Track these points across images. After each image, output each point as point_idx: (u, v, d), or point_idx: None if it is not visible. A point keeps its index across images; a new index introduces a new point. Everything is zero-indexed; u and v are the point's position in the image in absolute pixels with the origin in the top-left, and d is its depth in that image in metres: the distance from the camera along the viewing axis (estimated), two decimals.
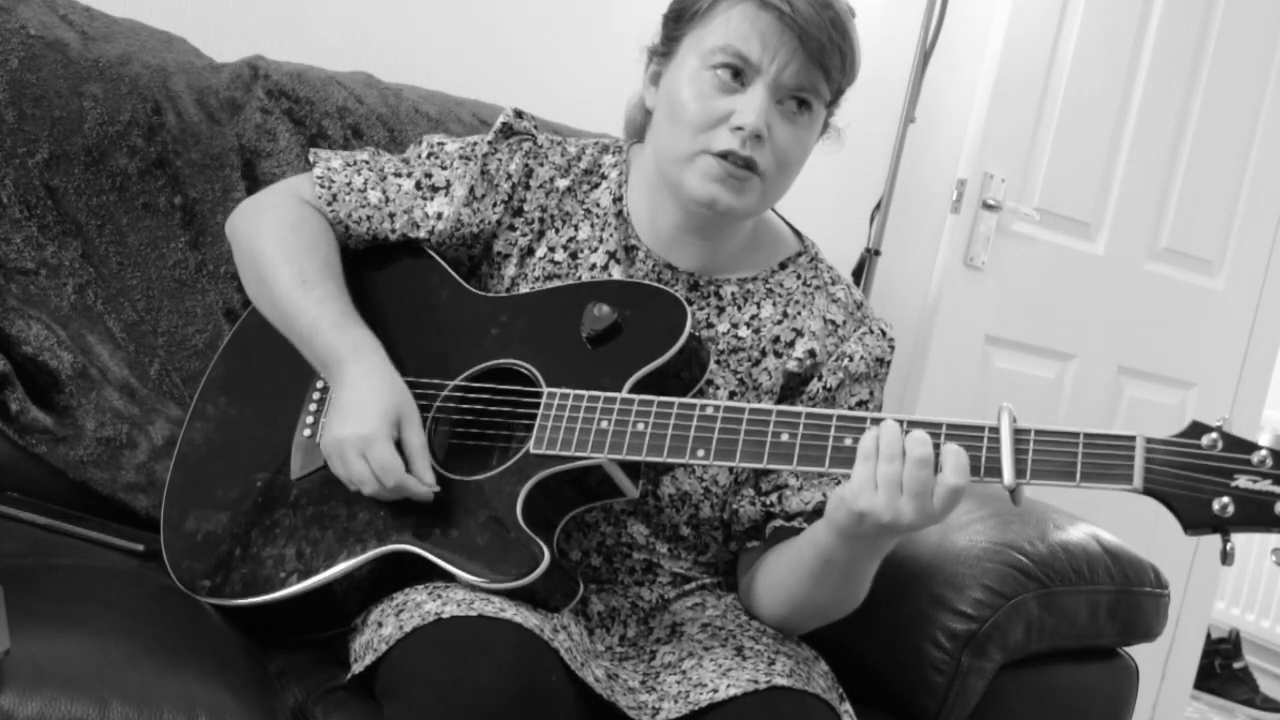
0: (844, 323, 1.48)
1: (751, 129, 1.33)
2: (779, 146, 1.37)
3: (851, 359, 1.45)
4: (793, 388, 1.46)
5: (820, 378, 1.45)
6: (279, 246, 1.46)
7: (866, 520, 1.20)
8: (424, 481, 1.30)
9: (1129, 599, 1.71)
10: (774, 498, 1.43)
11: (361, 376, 1.34)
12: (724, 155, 1.35)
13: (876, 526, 1.20)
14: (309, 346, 1.41)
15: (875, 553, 1.31)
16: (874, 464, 1.18)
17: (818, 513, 1.40)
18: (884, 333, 1.48)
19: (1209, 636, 3.73)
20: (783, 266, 1.50)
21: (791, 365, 1.45)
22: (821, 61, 1.35)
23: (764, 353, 1.46)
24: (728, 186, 1.36)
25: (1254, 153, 3.09)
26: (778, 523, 1.42)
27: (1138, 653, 1.78)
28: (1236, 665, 3.94)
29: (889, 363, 1.48)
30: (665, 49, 1.43)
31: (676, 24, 1.41)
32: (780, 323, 1.47)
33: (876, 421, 1.21)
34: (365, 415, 1.30)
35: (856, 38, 1.39)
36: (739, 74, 1.35)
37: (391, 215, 1.50)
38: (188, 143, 1.74)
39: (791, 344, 1.46)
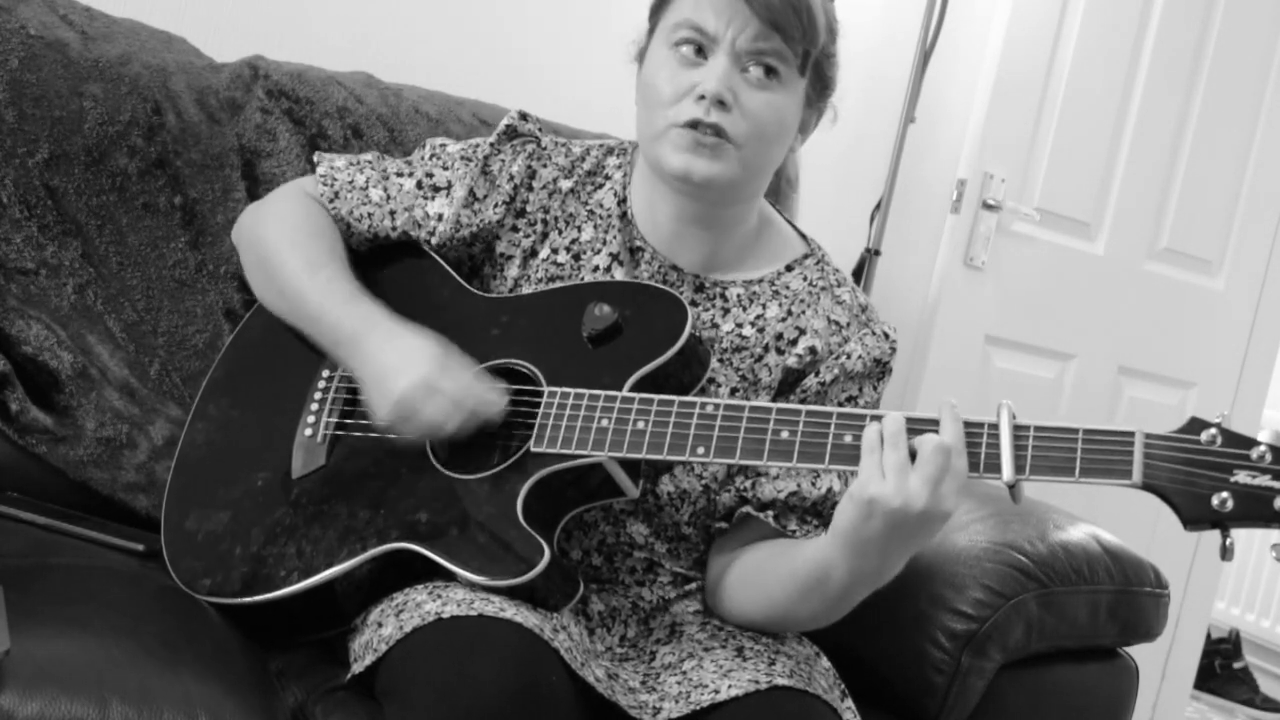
0: (848, 324, 1.47)
1: (712, 94, 1.34)
2: (750, 112, 1.37)
3: (850, 357, 1.45)
4: (790, 383, 1.46)
5: (818, 373, 1.45)
6: (286, 237, 1.47)
7: (875, 509, 1.18)
8: (493, 401, 1.33)
9: (1129, 599, 1.71)
10: (749, 484, 1.42)
11: (387, 337, 1.36)
12: (692, 125, 1.36)
13: (885, 517, 1.18)
14: (319, 328, 1.41)
15: (874, 576, 1.28)
16: (879, 454, 1.18)
17: (789, 506, 1.40)
18: (886, 335, 1.48)
19: (1209, 636, 3.73)
20: (789, 269, 1.50)
21: (791, 361, 1.45)
22: (776, 23, 1.35)
23: (766, 349, 1.46)
24: (699, 154, 1.36)
25: (1254, 153, 3.09)
26: (747, 509, 1.41)
27: (1138, 653, 1.78)
28: (1236, 665, 3.94)
29: (887, 364, 1.47)
30: (644, 44, 1.46)
31: (651, 16, 1.45)
32: (784, 320, 1.47)
33: (877, 418, 1.21)
34: (416, 360, 1.32)
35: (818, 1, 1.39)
36: (701, 49, 1.37)
37: (392, 213, 1.50)
38: (188, 143, 1.74)
39: (794, 341, 1.46)
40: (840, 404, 1.45)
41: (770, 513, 1.40)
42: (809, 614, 1.35)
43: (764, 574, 1.37)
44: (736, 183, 1.40)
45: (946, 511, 1.18)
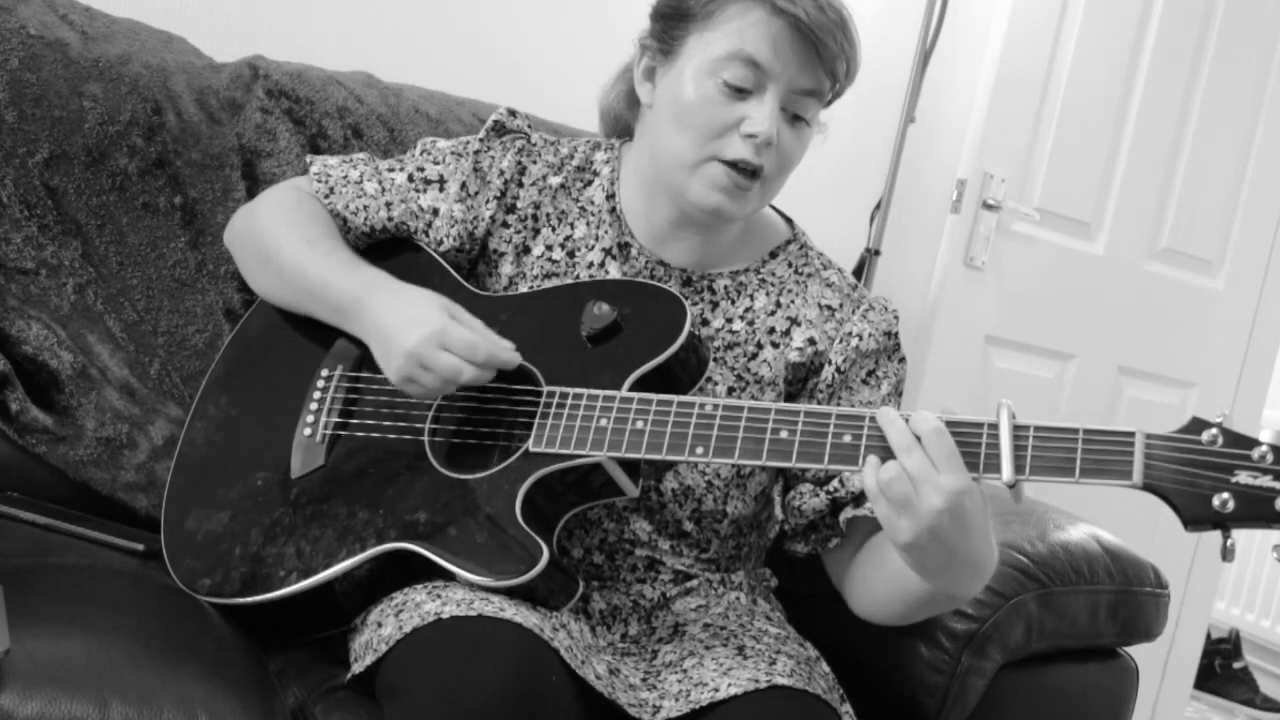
0: (841, 305, 1.48)
1: (765, 137, 1.34)
2: (783, 150, 1.38)
3: (860, 337, 1.45)
4: (801, 379, 1.46)
5: (830, 362, 1.45)
6: (281, 221, 1.48)
7: (914, 550, 1.18)
8: (505, 346, 1.32)
9: (1129, 599, 1.71)
10: (835, 482, 1.41)
11: (392, 297, 1.36)
12: (734, 164, 1.36)
13: (939, 554, 1.18)
14: (323, 299, 1.42)
15: (955, 567, 1.23)
16: (883, 503, 1.17)
17: None
18: (885, 307, 1.48)
19: (1209, 636, 3.73)
20: (773, 255, 1.51)
21: (793, 355, 1.46)
22: (831, 69, 1.37)
23: (760, 345, 1.46)
24: (731, 196, 1.37)
25: (1254, 153, 3.09)
26: (849, 512, 1.40)
27: (1138, 653, 1.78)
28: (1236, 665, 3.94)
29: (896, 334, 1.48)
30: (664, 46, 1.41)
31: (679, 22, 1.40)
32: (774, 313, 1.47)
33: (875, 418, 1.20)
34: (423, 316, 1.32)
35: (859, 41, 1.40)
36: (749, 80, 1.35)
37: (389, 204, 1.50)
38: (188, 143, 1.74)
39: (788, 333, 1.46)
40: (863, 381, 1.45)
41: (868, 504, 1.38)
42: (927, 598, 1.32)
43: (891, 595, 1.36)
44: (753, 214, 1.44)
45: (979, 520, 1.18)
